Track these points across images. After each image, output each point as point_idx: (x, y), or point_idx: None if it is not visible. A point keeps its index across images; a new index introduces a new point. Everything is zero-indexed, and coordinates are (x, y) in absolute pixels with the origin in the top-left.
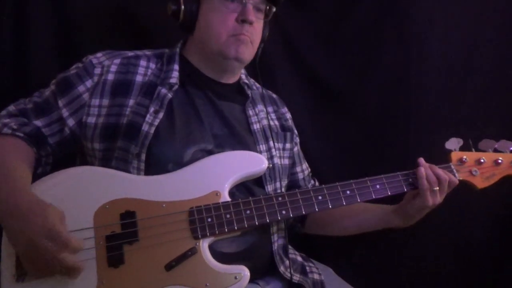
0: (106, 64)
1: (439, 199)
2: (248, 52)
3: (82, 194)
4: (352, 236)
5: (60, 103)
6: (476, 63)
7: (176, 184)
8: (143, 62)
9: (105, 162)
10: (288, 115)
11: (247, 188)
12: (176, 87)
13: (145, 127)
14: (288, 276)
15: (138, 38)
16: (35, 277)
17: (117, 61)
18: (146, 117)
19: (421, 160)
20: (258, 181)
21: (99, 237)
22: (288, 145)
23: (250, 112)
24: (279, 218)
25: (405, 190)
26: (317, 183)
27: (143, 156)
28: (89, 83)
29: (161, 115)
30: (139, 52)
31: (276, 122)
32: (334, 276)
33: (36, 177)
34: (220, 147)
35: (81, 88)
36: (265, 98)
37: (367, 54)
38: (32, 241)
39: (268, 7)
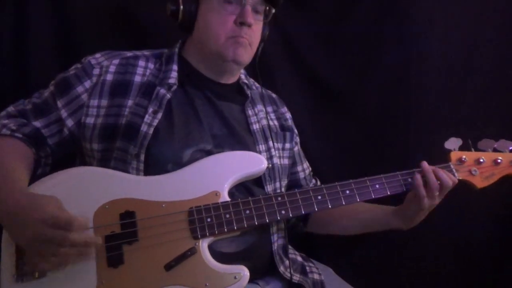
0: (104, 65)
1: (436, 201)
2: (247, 55)
3: (81, 194)
4: (352, 236)
5: (59, 103)
6: (476, 63)
7: (175, 184)
8: (141, 62)
9: (104, 162)
10: (288, 115)
11: (247, 188)
12: (175, 87)
13: (143, 127)
14: (288, 276)
15: (137, 38)
16: (36, 277)
17: (116, 61)
18: (145, 117)
19: (424, 164)
20: (257, 181)
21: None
22: (287, 145)
23: (250, 112)
24: (279, 218)
25: (404, 190)
26: (318, 182)
27: (142, 157)
28: (87, 84)
29: (159, 115)
30: (137, 52)
31: (276, 122)
32: (334, 276)
33: (35, 178)
34: (220, 147)
35: (79, 89)
36: (264, 98)
37: (367, 54)
38: (38, 234)
39: (267, 8)
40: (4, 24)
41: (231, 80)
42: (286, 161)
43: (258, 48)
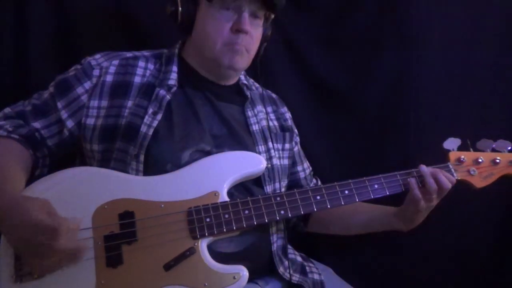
0: (104, 66)
1: (434, 203)
2: (243, 61)
3: (80, 195)
4: (352, 236)
5: (59, 104)
6: (475, 63)
7: (174, 184)
8: (141, 63)
9: (104, 163)
10: (288, 115)
11: (246, 188)
12: (174, 88)
13: (143, 128)
14: (287, 277)
15: (137, 38)
16: (35, 277)
17: (116, 62)
18: (145, 118)
19: (423, 167)
20: (257, 182)
21: (97, 237)
22: (287, 145)
23: (249, 113)
24: (278, 218)
25: (403, 190)
26: (319, 182)
27: (142, 157)
28: (87, 85)
29: (159, 116)
30: (137, 53)
31: (275, 123)
32: (334, 276)
33: (34, 178)
34: (219, 147)
35: (79, 90)
36: (264, 98)
37: (367, 54)
38: (23, 239)
39: (267, 12)
40: (4, 24)
41: (231, 82)
42: (286, 162)
43: (260, 49)
